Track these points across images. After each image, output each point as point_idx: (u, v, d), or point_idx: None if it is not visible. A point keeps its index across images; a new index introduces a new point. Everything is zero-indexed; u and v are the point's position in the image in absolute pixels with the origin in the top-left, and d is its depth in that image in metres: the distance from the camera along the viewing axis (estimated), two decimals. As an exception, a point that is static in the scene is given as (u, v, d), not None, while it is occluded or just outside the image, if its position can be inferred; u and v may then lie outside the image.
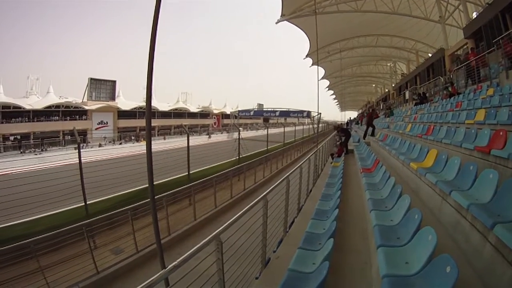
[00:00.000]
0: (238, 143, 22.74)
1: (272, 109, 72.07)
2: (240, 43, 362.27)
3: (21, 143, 47.81)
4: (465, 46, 24.06)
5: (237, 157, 22.67)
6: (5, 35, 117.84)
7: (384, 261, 3.21)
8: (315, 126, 42.83)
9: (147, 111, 4.81)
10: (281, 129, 38.12)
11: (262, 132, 59.76)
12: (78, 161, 10.88)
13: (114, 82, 68.66)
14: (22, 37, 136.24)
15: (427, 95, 23.88)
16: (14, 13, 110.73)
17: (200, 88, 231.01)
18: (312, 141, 41.16)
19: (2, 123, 50.05)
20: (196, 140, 47.76)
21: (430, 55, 36.41)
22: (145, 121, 4.93)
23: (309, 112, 63.74)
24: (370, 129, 19.43)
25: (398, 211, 4.60)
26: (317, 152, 12.24)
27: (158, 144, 44.20)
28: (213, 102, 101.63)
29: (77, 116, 61.49)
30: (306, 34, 44.85)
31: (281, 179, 6.28)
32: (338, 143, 16.23)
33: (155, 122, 72.23)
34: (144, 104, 69.66)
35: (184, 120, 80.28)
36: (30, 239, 8.12)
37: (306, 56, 53.13)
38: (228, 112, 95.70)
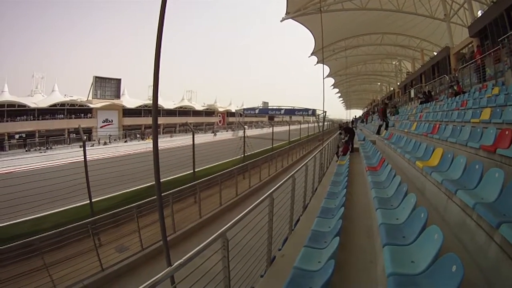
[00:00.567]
0: (243, 141, 22.71)
1: (277, 107, 72.24)
2: (245, 41, 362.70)
3: (26, 142, 47.93)
4: (470, 45, 23.96)
5: (242, 155, 22.64)
6: (10, 33, 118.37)
7: (389, 259, 3.21)
8: (320, 124, 42.82)
9: (154, 109, 4.81)
10: (286, 127, 38.09)
11: (267, 130, 59.82)
12: (83, 159, 10.90)
13: (119, 80, 68.71)
14: (27, 36, 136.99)
15: (432, 93, 23.76)
16: (20, 12, 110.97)
17: (205, 86, 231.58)
18: (317, 139, 41.08)
19: (8, 121, 50.17)
20: (201, 138, 47.86)
21: (435, 53, 36.29)
22: (150, 119, 4.91)
23: (314, 110, 63.81)
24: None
25: (403, 209, 4.59)
26: (323, 150, 12.21)
27: (164, 142, 44.27)
28: (218, 100, 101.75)
29: (82, 114, 61.58)
30: (311, 32, 44.76)
31: (287, 177, 6.27)
32: (343, 141, 16.16)
33: (160, 120, 71.61)
34: (149, 102, 70.08)
35: (189, 118, 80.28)
36: (35, 237, 8.17)
37: (311, 54, 52.97)
38: (233, 110, 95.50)
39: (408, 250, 3.42)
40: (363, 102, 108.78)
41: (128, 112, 69.35)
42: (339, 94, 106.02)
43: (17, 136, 49.71)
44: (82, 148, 11.05)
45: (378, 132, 18.88)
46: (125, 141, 56.68)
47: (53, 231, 8.68)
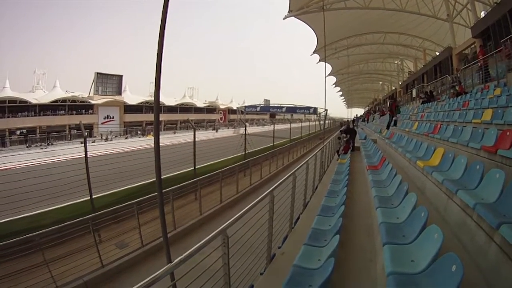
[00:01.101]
0: (244, 138, 22.70)
1: (279, 105, 72.32)
2: (247, 39, 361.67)
3: (27, 137, 47.92)
4: (473, 45, 23.92)
5: (243, 153, 22.64)
6: (12, 30, 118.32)
7: (389, 258, 3.22)
8: (322, 122, 42.80)
9: (155, 106, 4.82)
10: (288, 125, 38.10)
11: (268, 128, 59.80)
12: (84, 155, 10.91)
13: (120, 76, 68.77)
14: (29, 32, 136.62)
15: (434, 93, 23.75)
16: (21, 9, 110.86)
17: (206, 83, 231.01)
18: (318, 138, 41.08)
19: (9, 117, 50.20)
20: (202, 135, 47.87)
21: (437, 53, 36.22)
22: (151, 115, 4.94)
23: (315, 109, 63.81)
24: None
25: (404, 209, 4.60)
26: (324, 149, 12.22)
27: (165, 139, 44.26)
28: (219, 97, 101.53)
29: (84, 111, 61.60)
30: (313, 30, 44.69)
31: (287, 175, 6.28)
32: (344, 140, 16.12)
33: (161, 117, 71.46)
34: (151, 99, 69.99)
35: (190, 115, 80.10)
36: (35, 233, 8.19)
37: (313, 52, 52.90)
38: (235, 108, 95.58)
39: (408, 249, 3.43)
40: (365, 101, 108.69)
41: (129, 109, 69.31)
42: (340, 93, 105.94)
43: (18, 132, 49.70)
44: (83, 144, 11.06)
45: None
46: (126, 138, 56.68)
47: (53, 227, 8.70)
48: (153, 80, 4.69)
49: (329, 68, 65.17)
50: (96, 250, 9.03)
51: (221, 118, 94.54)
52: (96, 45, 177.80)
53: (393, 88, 64.57)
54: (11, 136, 48.42)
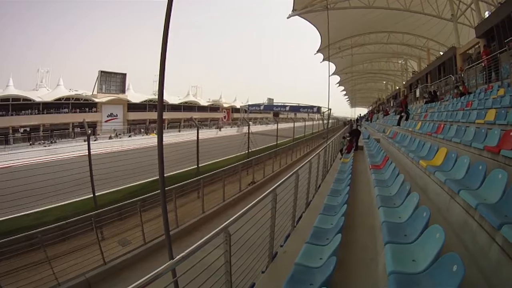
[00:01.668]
0: (247, 137, 22.71)
1: (282, 104, 72.08)
2: (252, 37, 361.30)
3: (31, 135, 47.98)
4: (477, 45, 23.84)
5: (247, 151, 22.64)
6: (15, 28, 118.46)
7: (391, 258, 3.22)
8: (325, 122, 42.74)
9: (159, 104, 4.84)
10: (291, 124, 38.04)
11: (271, 126, 59.77)
12: (87, 153, 10.95)
13: (124, 75, 68.63)
14: (32, 31, 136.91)
15: (437, 93, 23.69)
16: (25, 6, 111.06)
17: (210, 82, 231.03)
18: (321, 137, 41.02)
19: (12, 115, 50.28)
20: (206, 133, 47.89)
21: (441, 53, 36.12)
22: (154, 113, 4.96)
23: (319, 108, 63.64)
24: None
25: (406, 208, 4.61)
26: (327, 148, 12.22)
27: (169, 137, 44.32)
28: (223, 96, 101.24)
29: (87, 109, 61.55)
30: (317, 29, 44.61)
31: (290, 174, 6.28)
32: (348, 139, 16.11)
33: (165, 115, 71.03)
34: (154, 97, 70.11)
35: (194, 114, 79.77)
36: (37, 230, 8.22)
37: (317, 51, 52.79)
38: (238, 106, 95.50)
39: (409, 249, 3.43)
40: (368, 101, 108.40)
41: (133, 107, 69.18)
42: (344, 92, 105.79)
43: (21, 130, 49.75)
44: (86, 142, 11.11)
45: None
46: (129, 136, 56.76)
47: (55, 224, 8.75)
48: (157, 79, 4.72)
49: (333, 67, 65.11)
50: (98, 247, 9.06)
51: (224, 117, 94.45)
52: (100, 43, 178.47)
53: (397, 87, 64.40)
54: (14, 134, 48.47)
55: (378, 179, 7.20)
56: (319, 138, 41.63)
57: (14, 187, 9.30)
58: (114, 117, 64.29)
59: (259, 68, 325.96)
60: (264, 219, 4.96)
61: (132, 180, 15.59)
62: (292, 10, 36.53)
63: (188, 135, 43.49)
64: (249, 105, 79.05)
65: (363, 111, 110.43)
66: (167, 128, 67.88)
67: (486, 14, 23.13)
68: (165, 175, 4.97)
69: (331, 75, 61.96)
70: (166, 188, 5.48)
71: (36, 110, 53.72)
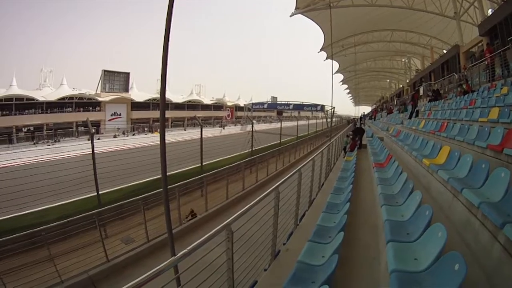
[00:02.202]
0: (251, 135, 22.72)
1: (286, 102, 72.15)
2: (255, 36, 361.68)
3: (34, 134, 48.12)
4: (480, 44, 23.76)
5: (250, 150, 22.65)
6: (19, 27, 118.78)
7: (393, 256, 3.22)
8: (329, 120, 42.70)
9: (161, 103, 4.86)
10: (295, 123, 38.07)
11: (275, 125, 59.74)
12: (91, 152, 10.98)
13: (127, 74, 68.87)
14: (35, 30, 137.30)
15: (441, 91, 23.64)
16: (28, 6, 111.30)
17: (214, 81, 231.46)
18: (325, 135, 41.01)
19: (16, 114, 50.43)
20: (210, 132, 47.97)
21: (444, 51, 36.02)
22: (158, 112, 5.00)
23: (322, 106, 63.60)
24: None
25: (409, 206, 4.60)
26: (330, 146, 12.22)
27: (173, 136, 44.38)
28: (227, 94, 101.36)
29: (91, 108, 61.78)
30: (320, 28, 44.57)
31: (293, 171, 6.30)
32: (351, 137, 16.11)
33: (168, 114, 71.27)
34: (158, 96, 69.99)
35: (197, 112, 79.84)
36: (41, 227, 8.26)
37: (321, 49, 52.77)
38: (242, 105, 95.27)
39: (411, 247, 3.43)
40: (372, 99, 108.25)
41: (136, 106, 69.36)
42: (348, 90, 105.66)
43: (25, 129, 49.89)
44: (90, 141, 11.15)
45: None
46: (133, 134, 56.90)
47: (59, 222, 8.78)
48: (160, 77, 4.73)
49: (336, 65, 65.01)
50: (101, 245, 9.11)
51: (228, 115, 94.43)
52: (103, 43, 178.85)
53: (401, 86, 64.29)
54: (18, 133, 48.61)
55: (381, 177, 7.21)
56: (322, 137, 41.61)
57: (17, 186, 9.36)
58: (118, 116, 64.48)
59: (262, 66, 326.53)
60: (267, 217, 4.98)
61: (136, 179, 15.64)
62: (295, 8, 36.58)
63: (192, 133, 43.52)
64: (252, 104, 79.04)
65: (366, 109, 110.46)
66: (171, 127, 67.86)
67: (489, 12, 23.02)
68: (168, 173, 4.99)
69: (334, 73, 62.07)
70: (169, 186, 5.51)
71: (40, 110, 53.91)
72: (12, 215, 11.45)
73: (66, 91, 60.26)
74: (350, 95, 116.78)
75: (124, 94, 67.01)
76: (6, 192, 9.30)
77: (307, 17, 39.91)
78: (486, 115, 8.38)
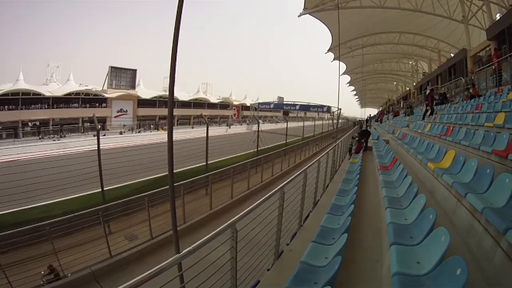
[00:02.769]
0: (257, 135, 22.73)
1: (292, 103, 72.29)
2: (263, 36, 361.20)
3: (40, 129, 48.34)
4: (488, 48, 23.66)
5: (256, 149, 22.68)
6: (26, 23, 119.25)
7: (395, 259, 3.24)
8: (335, 121, 42.65)
9: (170, 101, 4.89)
10: (301, 123, 38.04)
11: (281, 125, 59.76)
12: (97, 148, 11.03)
13: (134, 71, 69.03)
14: (43, 25, 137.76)
15: (447, 95, 23.55)
16: (36, 1, 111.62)
17: (220, 79, 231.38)
18: (331, 137, 40.95)
19: (22, 109, 50.66)
20: (216, 130, 48.01)
21: (452, 55, 35.90)
22: (164, 110, 5.01)
23: (329, 107, 63.62)
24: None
25: (413, 210, 4.61)
26: (336, 148, 12.22)
27: (180, 133, 44.46)
28: (233, 93, 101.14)
29: (97, 104, 62.03)
30: (328, 28, 44.55)
31: (299, 172, 6.29)
32: (356, 139, 16.11)
33: (175, 112, 70.80)
34: (164, 93, 70.24)
35: (204, 111, 79.93)
36: (45, 222, 8.34)
37: (328, 50, 52.76)
38: (248, 104, 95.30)
39: (414, 251, 3.44)
40: (378, 101, 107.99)
41: (143, 103, 69.47)
42: (354, 92, 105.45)
43: (30, 124, 50.07)
44: (95, 137, 11.19)
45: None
46: (139, 131, 57.02)
47: (63, 217, 8.84)
48: (167, 75, 4.77)
49: (343, 66, 64.91)
50: (105, 241, 9.19)
51: (234, 115, 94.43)
52: (111, 39, 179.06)
53: (407, 89, 64.17)
54: (24, 128, 48.79)
55: (386, 180, 7.22)
56: (328, 138, 41.55)
57: (23, 179, 9.44)
58: (124, 113, 64.65)
59: (269, 66, 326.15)
60: (271, 217, 5.00)
61: (141, 176, 15.72)
62: (304, 9, 36.63)
63: (198, 131, 43.57)
64: (259, 103, 79.07)
65: (373, 111, 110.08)
66: (177, 125, 67.90)
67: (498, 16, 22.93)
68: (174, 171, 5.02)
69: (341, 74, 61.74)
70: (174, 184, 5.52)
71: (46, 105, 54.08)
72: (18, 209, 11.54)
73: (72, 86, 60.40)
74: (356, 96, 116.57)
75: (130, 91, 67.18)
76: (13, 186, 9.37)
77: (315, 17, 39.91)
78: (492, 120, 8.34)
